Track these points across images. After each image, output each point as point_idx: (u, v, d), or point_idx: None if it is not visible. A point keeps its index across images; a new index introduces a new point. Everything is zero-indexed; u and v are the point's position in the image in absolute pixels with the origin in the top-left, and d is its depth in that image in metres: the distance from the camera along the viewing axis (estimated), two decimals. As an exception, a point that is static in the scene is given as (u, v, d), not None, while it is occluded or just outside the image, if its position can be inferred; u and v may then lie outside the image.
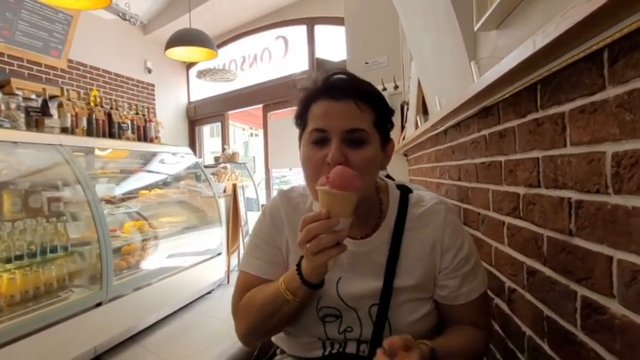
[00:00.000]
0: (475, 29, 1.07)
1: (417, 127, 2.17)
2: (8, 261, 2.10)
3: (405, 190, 0.90)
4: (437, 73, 1.71)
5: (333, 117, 0.76)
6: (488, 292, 1.10)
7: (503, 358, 1.03)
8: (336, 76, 0.81)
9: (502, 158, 0.96)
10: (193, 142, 6.84)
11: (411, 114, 2.47)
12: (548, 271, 0.75)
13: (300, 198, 0.91)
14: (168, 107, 6.42)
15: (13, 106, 2.40)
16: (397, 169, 2.94)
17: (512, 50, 0.69)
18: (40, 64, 4.45)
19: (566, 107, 0.66)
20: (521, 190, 0.86)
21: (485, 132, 1.08)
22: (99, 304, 2.40)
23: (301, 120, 0.83)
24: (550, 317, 0.75)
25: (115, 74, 5.50)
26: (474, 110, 1.13)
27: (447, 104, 1.28)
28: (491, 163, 1.05)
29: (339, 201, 0.67)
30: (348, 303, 0.80)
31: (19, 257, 2.14)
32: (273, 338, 0.93)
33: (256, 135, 10.48)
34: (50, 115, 2.57)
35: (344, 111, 0.76)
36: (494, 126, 1.02)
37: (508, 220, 0.95)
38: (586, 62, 0.59)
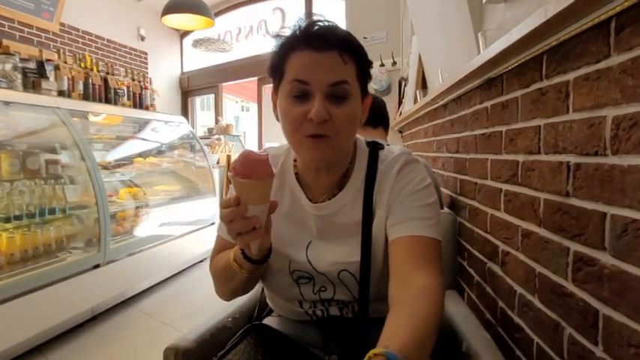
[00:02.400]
0: (484, 1, 1.09)
1: (415, 102, 2.20)
2: (7, 220, 2.12)
3: (374, 148, 0.87)
4: (440, 46, 1.73)
5: (316, 69, 0.72)
6: (482, 256, 1.17)
7: (494, 318, 1.09)
8: (317, 25, 0.75)
9: (503, 128, 1.01)
10: (186, 114, 6.78)
11: (410, 89, 2.50)
12: (542, 232, 0.80)
13: (272, 160, 0.85)
14: (162, 77, 6.33)
15: (9, 66, 2.37)
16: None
17: (520, 23, 0.72)
18: (31, 27, 4.34)
19: (570, 76, 0.70)
20: (520, 158, 0.91)
21: (488, 103, 1.12)
22: (97, 266, 2.44)
23: (278, 70, 0.77)
24: (542, 274, 0.81)
25: (108, 40, 5.39)
26: (477, 82, 1.16)
27: (450, 77, 1.32)
28: (492, 133, 1.09)
29: (246, 189, 0.66)
30: (317, 269, 0.80)
31: (18, 217, 2.16)
32: (267, 299, 0.96)
33: (247, 109, 10.41)
34: (47, 78, 2.54)
35: (327, 62, 0.72)
36: (496, 97, 1.05)
37: (505, 187, 1.00)
38: (593, 31, 0.62)
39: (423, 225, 0.74)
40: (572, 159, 0.70)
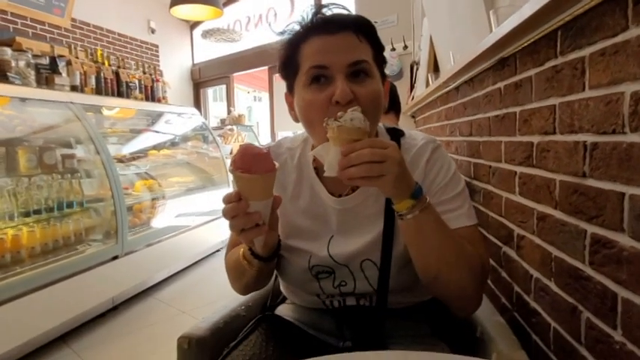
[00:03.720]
0: (495, -22, 1.06)
1: (427, 85, 2.16)
2: (27, 215, 2.18)
3: (395, 134, 0.85)
4: (451, 27, 1.69)
5: (333, 51, 0.70)
6: (496, 241, 1.15)
7: (509, 303, 1.08)
8: (325, 9, 0.74)
9: (517, 109, 0.98)
10: (198, 105, 6.82)
11: (422, 73, 2.45)
12: (558, 214, 0.78)
13: (288, 153, 0.88)
14: (173, 69, 6.35)
15: (22, 63, 2.40)
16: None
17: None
18: (43, 23, 4.38)
19: (586, 51, 0.67)
20: (535, 139, 0.88)
21: (501, 84, 1.09)
22: (115, 257, 2.50)
23: (291, 65, 0.75)
24: (558, 257, 0.79)
25: (119, 34, 5.42)
26: (489, 63, 1.13)
27: (461, 58, 1.28)
28: (505, 115, 1.06)
29: (246, 184, 0.64)
30: (339, 261, 0.79)
31: (38, 211, 2.21)
32: (281, 287, 0.96)
33: (260, 99, 10.41)
34: (60, 73, 2.57)
35: (344, 43, 0.71)
36: (509, 77, 1.02)
37: (520, 169, 0.97)
38: (609, 3, 0.59)
39: (458, 215, 0.76)
40: (589, 138, 0.67)
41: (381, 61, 0.78)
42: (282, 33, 0.77)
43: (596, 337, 0.65)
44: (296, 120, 0.80)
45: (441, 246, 0.68)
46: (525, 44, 0.89)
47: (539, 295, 0.88)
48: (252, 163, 0.63)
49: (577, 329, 0.71)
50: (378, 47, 0.76)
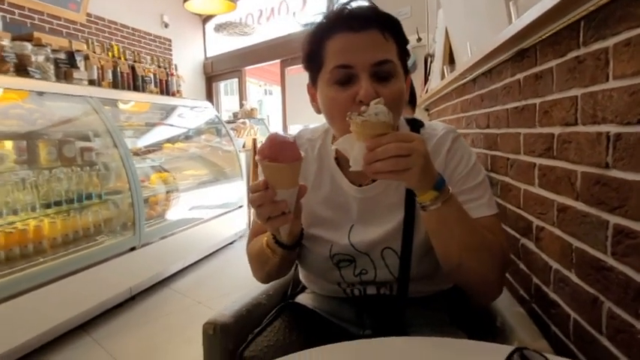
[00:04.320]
0: (515, -32, 1.05)
1: (442, 78, 2.15)
2: (48, 206, 2.23)
3: (415, 125, 0.86)
4: (469, 18, 1.68)
5: (358, 50, 0.70)
6: (515, 233, 1.15)
7: (527, 294, 1.08)
8: (351, 4, 0.73)
9: (537, 100, 0.98)
10: (210, 99, 6.85)
11: (437, 66, 2.44)
12: (579, 205, 0.78)
13: (308, 144, 0.89)
14: (186, 63, 6.38)
15: (41, 58, 2.44)
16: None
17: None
18: (59, 18, 4.44)
19: (610, 42, 0.67)
20: (556, 130, 0.88)
21: (520, 76, 1.08)
22: (133, 249, 2.54)
23: (315, 61, 0.75)
24: (579, 248, 0.79)
25: (133, 29, 5.46)
26: (508, 54, 1.12)
27: (479, 50, 1.28)
28: (525, 106, 1.06)
29: (273, 172, 0.65)
30: (360, 250, 0.80)
31: (58, 203, 2.27)
32: (300, 277, 0.98)
33: (271, 93, 10.41)
34: (78, 68, 2.62)
35: (369, 42, 0.70)
36: (529, 69, 1.02)
37: (540, 161, 0.97)
38: (636, -8, 0.59)
39: (479, 205, 0.77)
40: (613, 129, 0.67)
41: (405, 57, 0.78)
42: (307, 25, 0.77)
43: (618, 326, 0.66)
44: (318, 112, 0.81)
45: (462, 235, 0.68)
46: (546, 35, 0.89)
47: (559, 286, 0.88)
48: (280, 152, 0.64)
49: (598, 319, 0.72)
50: (402, 43, 0.76)
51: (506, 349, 0.50)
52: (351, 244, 0.80)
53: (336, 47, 0.72)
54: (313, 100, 0.82)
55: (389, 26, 0.73)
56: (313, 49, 0.75)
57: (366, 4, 0.75)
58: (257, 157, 0.66)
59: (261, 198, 0.65)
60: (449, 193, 0.66)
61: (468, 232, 0.69)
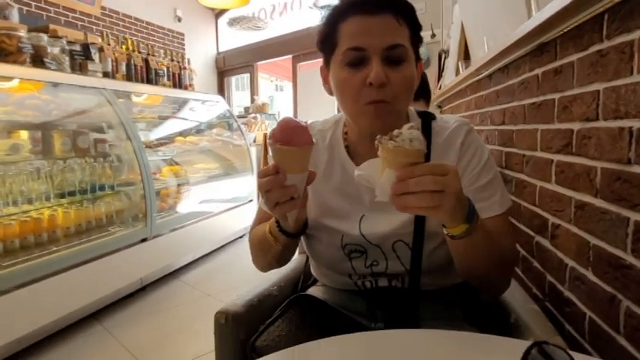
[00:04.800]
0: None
1: (457, 74, 2.13)
2: (62, 196, 2.26)
3: (426, 118, 0.85)
4: (486, 12, 1.66)
5: (371, 33, 0.70)
6: (529, 230, 1.14)
7: (541, 292, 1.07)
8: None
9: (556, 95, 0.96)
10: (222, 94, 6.87)
11: (451, 62, 2.41)
12: (598, 202, 0.77)
13: (319, 135, 0.88)
14: (198, 57, 6.41)
15: (57, 49, 2.46)
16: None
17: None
18: (75, 11, 4.48)
19: (635, 35, 0.65)
20: (575, 126, 0.86)
21: (538, 71, 1.07)
22: (144, 240, 2.57)
23: (328, 42, 0.76)
24: (597, 246, 0.78)
25: (146, 22, 5.50)
26: (526, 49, 1.11)
27: (496, 45, 1.26)
28: (543, 102, 1.04)
29: (285, 156, 0.64)
30: (372, 241, 0.80)
31: (72, 193, 2.29)
32: (312, 270, 0.97)
33: (282, 89, 10.42)
34: (92, 60, 2.64)
35: (382, 25, 0.71)
36: (548, 63, 1.00)
37: (557, 157, 0.96)
38: (665, -17, 0.58)
39: (491, 204, 0.76)
40: (636, 124, 0.66)
41: (417, 43, 0.77)
42: (323, 7, 0.77)
43: (636, 325, 0.65)
44: (330, 93, 0.82)
45: (487, 255, 0.68)
46: (568, 28, 0.87)
47: (574, 284, 0.87)
48: (292, 136, 0.63)
49: (615, 318, 0.71)
50: (416, 28, 0.76)
51: (523, 344, 0.49)
52: (362, 234, 0.80)
53: (350, 30, 0.72)
54: (325, 81, 0.83)
55: (403, 11, 0.73)
56: (327, 31, 0.76)
57: None
58: (268, 141, 0.65)
59: (271, 182, 0.64)
60: (478, 222, 0.64)
61: (491, 251, 0.69)
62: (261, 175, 0.66)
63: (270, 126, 5.33)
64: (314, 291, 0.95)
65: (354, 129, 0.84)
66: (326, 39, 0.76)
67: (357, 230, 0.80)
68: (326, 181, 0.85)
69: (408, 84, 0.74)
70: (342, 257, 0.82)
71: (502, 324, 0.87)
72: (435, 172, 0.55)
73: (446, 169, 0.56)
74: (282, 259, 0.87)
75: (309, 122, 0.93)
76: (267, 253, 0.83)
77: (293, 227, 0.75)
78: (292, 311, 0.87)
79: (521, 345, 0.51)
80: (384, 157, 0.57)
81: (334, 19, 0.74)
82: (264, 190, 0.65)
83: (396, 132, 0.56)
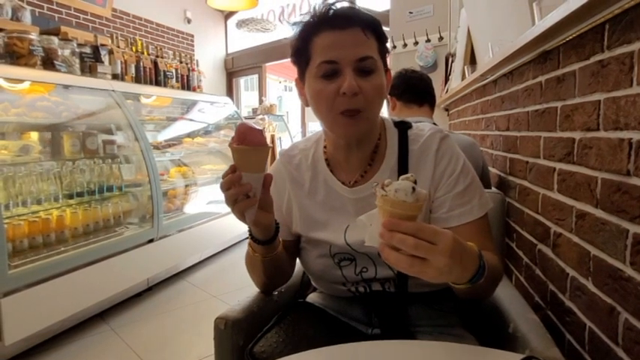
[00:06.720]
0: (540, -32, 1.03)
1: (463, 78, 2.12)
2: (71, 197, 2.29)
3: (403, 127, 0.88)
4: (491, 18, 1.65)
5: (342, 47, 0.75)
6: (532, 238, 1.13)
7: (543, 301, 1.06)
8: (335, 5, 0.78)
9: (559, 104, 0.95)
10: (231, 95, 6.91)
11: (458, 65, 2.40)
12: (599, 213, 0.76)
13: (302, 154, 0.93)
14: (207, 58, 6.46)
15: (67, 52, 2.50)
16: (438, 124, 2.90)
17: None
18: (86, 13, 4.54)
19: (635, 46, 0.65)
20: (577, 135, 0.86)
21: (542, 78, 1.06)
22: (151, 240, 2.59)
23: (303, 56, 0.80)
24: (597, 256, 0.77)
25: (157, 24, 5.55)
26: (530, 56, 1.10)
27: (500, 51, 1.25)
28: (546, 109, 1.04)
29: (240, 156, 0.71)
30: (358, 250, 0.82)
31: (80, 194, 2.33)
32: (311, 279, 0.99)
33: (290, 89, 10.44)
34: (102, 62, 2.67)
35: (352, 39, 0.75)
36: (551, 71, 1.00)
37: (559, 165, 0.95)
38: (665, -4, 0.57)
39: (470, 209, 0.79)
40: (635, 136, 0.65)
41: (384, 53, 0.82)
42: (295, 24, 0.81)
43: (635, 338, 0.64)
44: (306, 104, 0.85)
45: (486, 291, 0.73)
46: (570, 38, 0.87)
47: (575, 294, 0.86)
48: (245, 137, 0.70)
49: (614, 330, 0.70)
50: (382, 40, 0.81)
51: (516, 357, 0.49)
52: (348, 243, 0.83)
53: (323, 44, 0.76)
54: (301, 93, 0.86)
55: (370, 26, 0.77)
56: (301, 46, 0.80)
57: (348, 4, 0.79)
58: (229, 144, 0.72)
59: (229, 181, 0.69)
60: (485, 273, 0.62)
61: (490, 284, 0.72)
62: (222, 176, 0.71)
63: (278, 127, 5.34)
64: (313, 297, 0.96)
65: (331, 139, 0.87)
66: (300, 53, 0.80)
67: (343, 240, 0.83)
68: (312, 198, 0.88)
69: (379, 92, 0.78)
70: (333, 266, 0.86)
71: (500, 333, 0.86)
72: (420, 236, 0.52)
73: (436, 237, 0.52)
74: (272, 276, 0.90)
75: (292, 144, 0.99)
76: (255, 268, 0.88)
77: (259, 233, 0.79)
78: (290, 318, 0.88)
79: (514, 358, 0.52)
80: (378, 206, 0.59)
81: (307, 35, 0.78)
82: (225, 189, 0.70)
83: (387, 181, 0.57)
